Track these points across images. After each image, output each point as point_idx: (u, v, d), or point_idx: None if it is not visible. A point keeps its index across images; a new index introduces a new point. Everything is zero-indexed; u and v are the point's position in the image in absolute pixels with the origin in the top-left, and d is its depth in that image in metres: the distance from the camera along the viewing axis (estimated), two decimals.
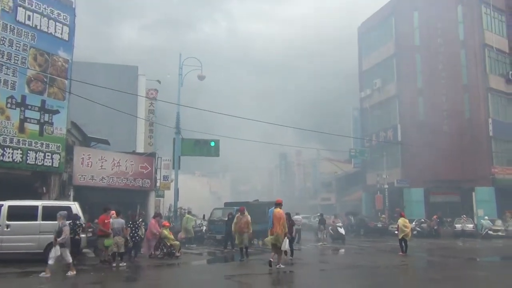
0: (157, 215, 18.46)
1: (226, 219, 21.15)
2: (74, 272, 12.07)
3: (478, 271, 13.99)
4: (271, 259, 13.26)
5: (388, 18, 39.78)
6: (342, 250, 21.27)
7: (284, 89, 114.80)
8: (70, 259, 12.17)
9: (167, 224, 17.91)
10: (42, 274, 11.66)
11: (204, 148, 26.39)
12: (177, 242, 17.47)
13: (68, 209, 15.08)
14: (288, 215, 16.35)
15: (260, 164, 76.41)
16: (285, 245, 13.44)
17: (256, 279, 12.39)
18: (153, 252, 16.87)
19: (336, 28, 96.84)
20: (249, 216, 16.57)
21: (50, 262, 11.81)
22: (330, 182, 55.92)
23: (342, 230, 25.52)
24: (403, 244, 17.64)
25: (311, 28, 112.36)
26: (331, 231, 26.13)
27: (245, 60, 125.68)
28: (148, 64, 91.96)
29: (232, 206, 24.02)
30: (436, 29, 36.29)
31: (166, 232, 17.05)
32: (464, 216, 31.04)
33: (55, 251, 11.90)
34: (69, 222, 14.29)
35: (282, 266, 13.37)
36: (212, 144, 26.29)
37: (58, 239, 11.96)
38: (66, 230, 12.21)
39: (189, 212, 24.89)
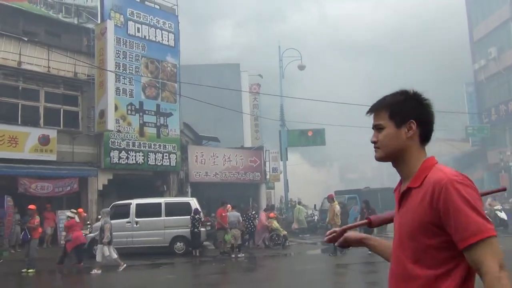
0: (267, 209, 18.95)
1: None
2: (124, 266, 12.05)
3: None
4: None
5: None
6: None
7: (389, 69, 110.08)
8: (115, 256, 12.02)
9: (272, 215, 18.06)
10: (94, 271, 11.77)
11: (309, 138, 26.38)
12: (285, 232, 17.66)
13: (187, 204, 16.14)
14: (366, 203, 15.19)
15: (368, 150, 74.09)
16: None
17: (372, 267, 12.13)
18: (266, 243, 17.33)
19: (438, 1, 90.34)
20: (337, 206, 15.09)
21: (98, 259, 11.87)
22: (446, 163, 52.41)
23: (503, 215, 20.98)
24: None
25: (413, 4, 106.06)
26: (487, 216, 22.94)
27: (343, 45, 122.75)
28: (249, 60, 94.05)
29: (343, 195, 23.77)
30: None
31: (275, 223, 17.36)
32: None
33: (101, 250, 11.84)
34: (189, 216, 15.34)
35: None
36: (317, 133, 26.19)
37: (103, 240, 11.88)
38: (108, 228, 11.98)
39: (299, 203, 25.11)
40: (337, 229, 1.97)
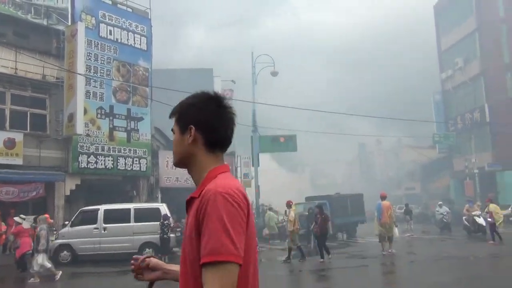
0: None
1: (307, 213, 21.14)
2: (60, 273, 11.67)
3: None
4: (384, 252, 14.49)
5: None
6: (430, 241, 20.38)
7: (359, 77, 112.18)
8: (49, 265, 11.55)
9: None
10: (31, 280, 11.38)
11: (281, 143, 26.53)
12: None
13: (157, 210, 15.99)
14: (320, 208, 14.88)
15: (339, 156, 75.38)
16: (396, 232, 15.11)
17: (338, 273, 12.28)
18: None
19: (408, 10, 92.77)
20: (292, 212, 14.72)
21: (35, 268, 11.37)
22: (413, 170, 53.78)
23: (481, 220, 19.19)
24: (494, 232, 16.56)
25: (383, 13, 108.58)
26: (466, 222, 20.58)
27: (315, 52, 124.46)
28: (222, 65, 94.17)
29: (313, 200, 23.94)
30: None
31: None
32: None
33: (37, 259, 11.34)
34: (159, 222, 15.19)
35: (393, 250, 14.66)
36: (289, 139, 26.39)
37: (38, 247, 11.39)
38: (43, 235, 11.43)
39: (270, 209, 25.18)
40: (139, 256, 1.81)
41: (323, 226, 14.21)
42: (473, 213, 20.04)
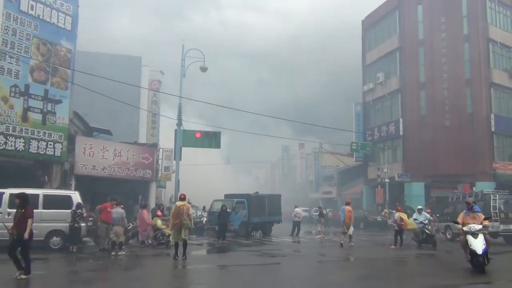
0: (144, 206, 18.68)
1: (220, 211, 21.46)
2: None
3: None
4: (342, 242, 17.68)
5: (392, 12, 39.56)
6: (340, 243, 21.34)
7: (288, 82, 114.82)
8: None
9: (159, 214, 17.87)
10: None
11: (205, 139, 26.47)
12: (170, 232, 17.40)
13: (69, 198, 15.40)
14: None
15: (262, 156, 76.63)
16: (351, 230, 17.93)
17: (250, 269, 12.57)
18: (148, 242, 17.10)
19: (340, 22, 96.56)
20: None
21: None
22: (331, 175, 55.96)
23: (478, 243, 10.64)
24: (398, 237, 17.75)
25: (316, 23, 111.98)
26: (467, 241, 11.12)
27: (246, 53, 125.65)
28: (151, 55, 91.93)
29: (232, 198, 24.24)
30: (440, 23, 36.05)
31: (159, 222, 17.14)
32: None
33: None
34: (70, 210, 14.64)
35: (352, 244, 17.98)
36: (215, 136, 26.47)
37: None
38: None
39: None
40: None
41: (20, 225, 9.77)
42: (471, 226, 10.95)
